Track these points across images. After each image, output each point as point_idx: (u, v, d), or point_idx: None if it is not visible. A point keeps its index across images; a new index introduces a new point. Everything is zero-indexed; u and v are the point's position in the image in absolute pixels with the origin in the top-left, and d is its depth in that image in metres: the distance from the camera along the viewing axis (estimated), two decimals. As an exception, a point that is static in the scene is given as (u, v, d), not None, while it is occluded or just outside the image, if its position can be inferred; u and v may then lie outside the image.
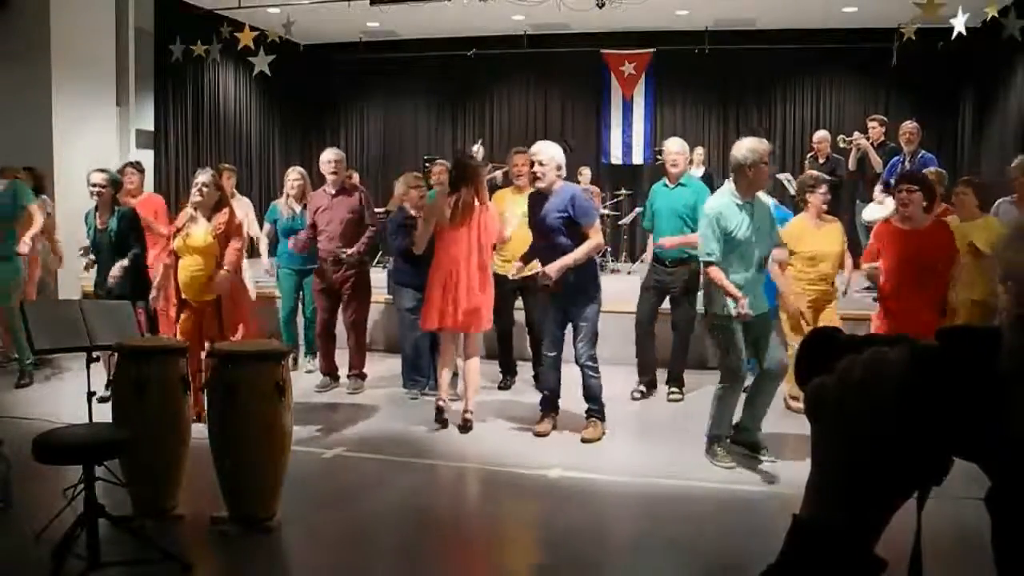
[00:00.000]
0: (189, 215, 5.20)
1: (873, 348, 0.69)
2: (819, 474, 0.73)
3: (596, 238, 5.05)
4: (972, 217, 5.38)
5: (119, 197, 5.96)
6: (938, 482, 0.68)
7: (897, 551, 0.75)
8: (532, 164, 5.07)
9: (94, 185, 5.70)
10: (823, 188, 5.56)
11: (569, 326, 5.15)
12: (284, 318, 6.94)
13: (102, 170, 5.94)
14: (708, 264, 4.46)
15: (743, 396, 4.76)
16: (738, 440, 4.83)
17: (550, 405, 5.27)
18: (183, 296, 5.19)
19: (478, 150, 10.80)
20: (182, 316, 5.20)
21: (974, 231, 5.12)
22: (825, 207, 5.57)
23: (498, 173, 10.48)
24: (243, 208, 7.12)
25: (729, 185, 4.56)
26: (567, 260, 4.89)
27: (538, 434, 5.16)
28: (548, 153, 5.03)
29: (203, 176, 5.20)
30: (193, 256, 5.13)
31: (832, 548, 0.69)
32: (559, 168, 5.04)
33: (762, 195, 4.79)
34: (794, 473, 4.52)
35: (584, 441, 5.07)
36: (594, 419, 5.17)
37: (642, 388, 6.13)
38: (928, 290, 4.79)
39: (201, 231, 5.14)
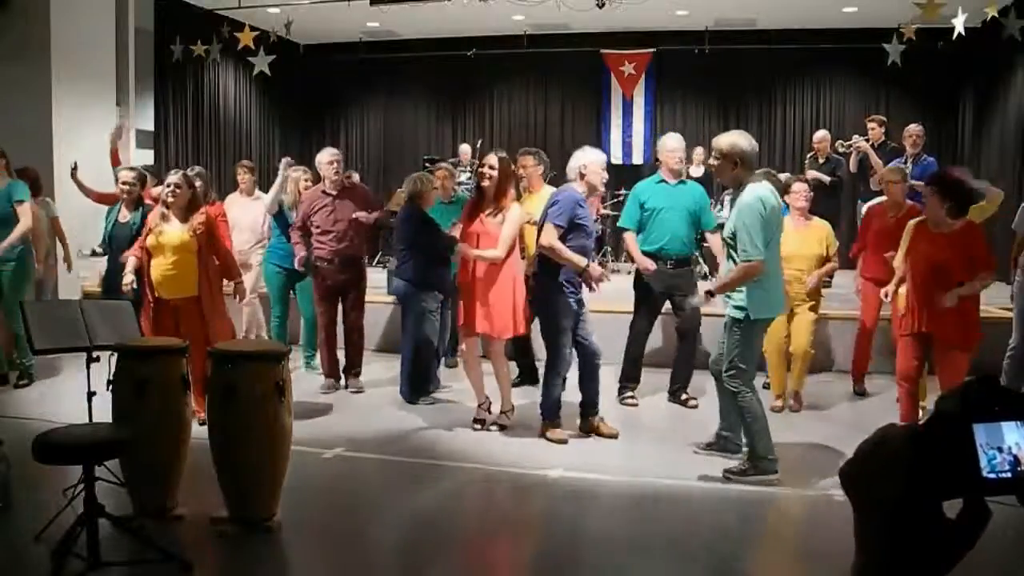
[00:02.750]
0: (160, 213, 5.20)
1: (883, 426, 0.75)
2: (860, 551, 0.76)
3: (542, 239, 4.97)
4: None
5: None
6: (965, 549, 0.71)
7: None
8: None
9: (124, 183, 5.88)
10: (796, 187, 5.66)
11: None
12: (277, 323, 6.69)
13: (132, 168, 6.09)
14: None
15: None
16: (726, 447, 4.79)
17: (558, 412, 5.17)
18: (156, 294, 5.15)
19: (466, 151, 10.81)
20: (157, 314, 5.16)
21: None
22: (805, 205, 5.63)
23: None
24: (259, 206, 7.05)
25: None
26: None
27: (559, 441, 5.06)
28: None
29: (174, 177, 5.23)
30: (167, 255, 5.12)
31: None
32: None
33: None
34: (789, 474, 4.52)
35: (610, 437, 5.12)
36: (599, 414, 5.22)
37: (632, 395, 5.98)
38: (943, 290, 4.59)
39: (176, 230, 5.15)
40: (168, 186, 5.19)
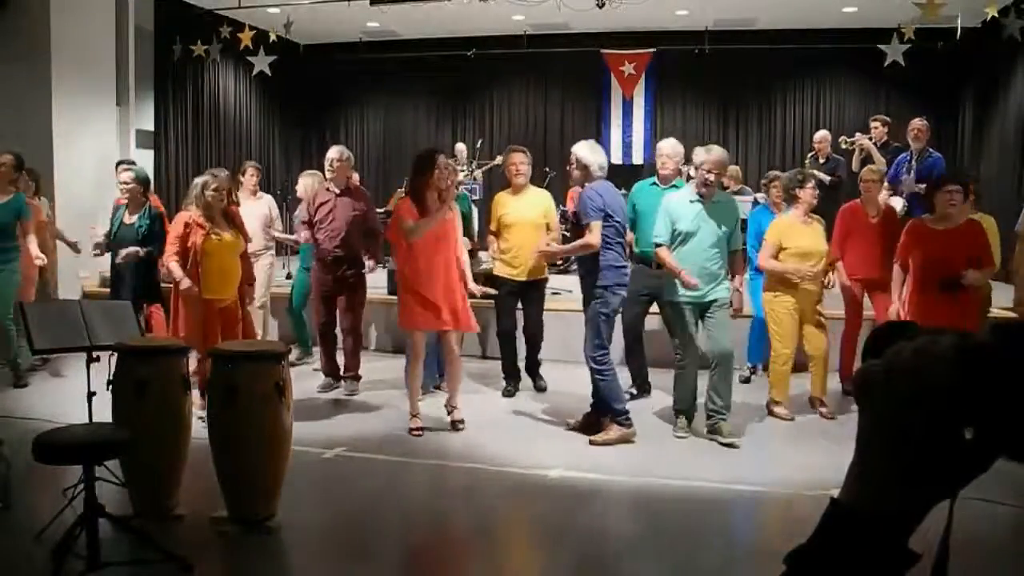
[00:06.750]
0: (208, 216, 5.20)
1: (925, 335, 0.68)
2: (862, 460, 0.71)
3: (588, 238, 4.91)
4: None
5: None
6: (978, 473, 0.67)
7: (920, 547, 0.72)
8: (570, 163, 5.08)
9: (123, 183, 5.88)
10: (812, 183, 5.55)
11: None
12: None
13: (129, 168, 6.06)
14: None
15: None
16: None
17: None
18: (205, 296, 5.18)
19: (462, 149, 10.81)
20: (204, 316, 5.18)
21: None
22: (815, 202, 5.53)
23: (478, 172, 10.46)
24: (267, 206, 7.10)
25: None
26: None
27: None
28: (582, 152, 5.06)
29: (223, 180, 5.29)
30: (224, 257, 5.24)
31: (869, 536, 0.68)
32: (600, 168, 5.00)
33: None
34: (788, 473, 4.52)
35: (592, 444, 4.98)
36: (606, 422, 5.06)
37: (632, 390, 5.99)
38: (956, 288, 4.77)
39: (228, 232, 5.29)
40: (220, 192, 5.23)
